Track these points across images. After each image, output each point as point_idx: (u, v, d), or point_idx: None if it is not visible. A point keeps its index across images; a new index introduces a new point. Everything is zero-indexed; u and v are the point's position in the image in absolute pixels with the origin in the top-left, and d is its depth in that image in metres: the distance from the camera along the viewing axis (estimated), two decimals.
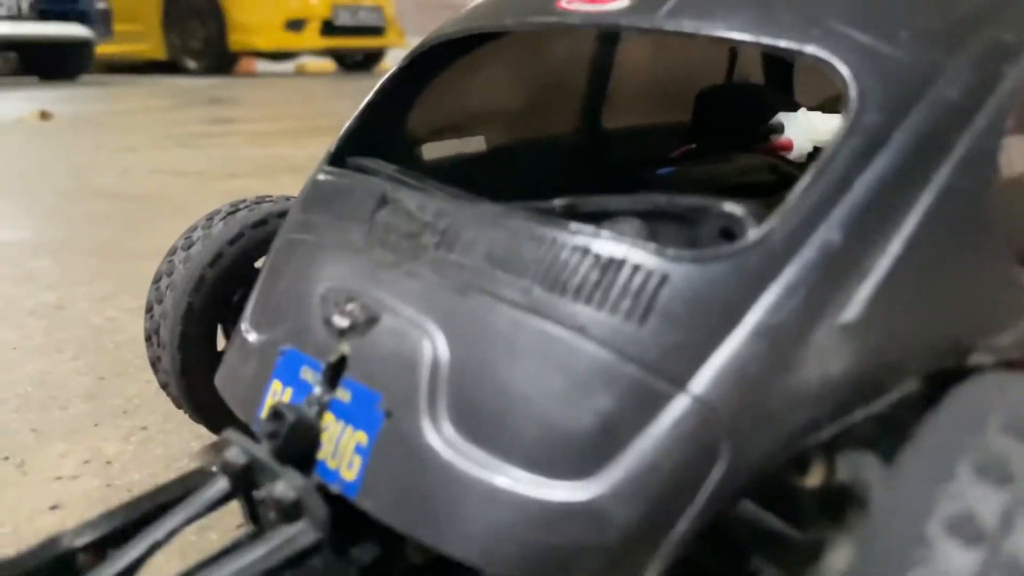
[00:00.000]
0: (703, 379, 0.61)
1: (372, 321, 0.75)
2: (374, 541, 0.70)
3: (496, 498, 0.63)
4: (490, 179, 1.37)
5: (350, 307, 0.77)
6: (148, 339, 1.18)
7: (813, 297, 0.62)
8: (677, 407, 0.61)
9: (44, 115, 5.96)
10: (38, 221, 2.96)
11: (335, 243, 0.87)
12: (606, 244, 0.68)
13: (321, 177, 0.97)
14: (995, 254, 0.70)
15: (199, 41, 10.90)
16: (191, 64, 11.20)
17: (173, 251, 1.19)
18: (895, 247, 0.64)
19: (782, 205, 0.66)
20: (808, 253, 0.63)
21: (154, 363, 1.19)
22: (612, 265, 0.67)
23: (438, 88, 1.21)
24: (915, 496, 0.52)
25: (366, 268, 0.81)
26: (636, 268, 0.66)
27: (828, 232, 0.64)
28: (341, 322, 0.77)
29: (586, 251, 0.69)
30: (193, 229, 1.20)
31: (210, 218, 1.21)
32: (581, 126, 1.47)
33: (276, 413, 0.73)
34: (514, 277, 0.71)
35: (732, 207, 0.70)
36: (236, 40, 10.61)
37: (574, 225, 0.71)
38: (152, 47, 10.94)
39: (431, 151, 1.28)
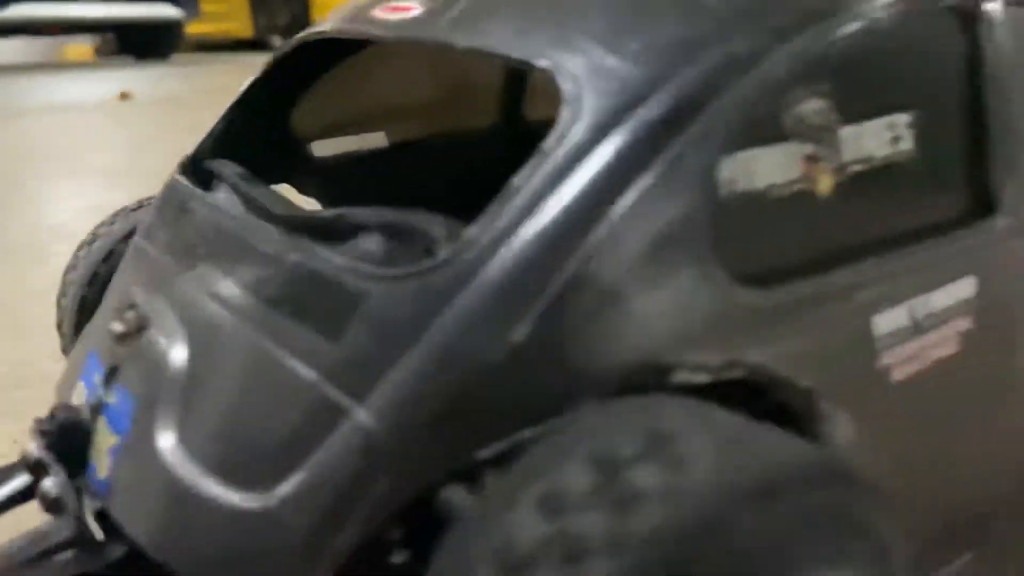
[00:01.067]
0: (376, 396, 0.64)
1: (141, 329, 0.80)
2: (124, 540, 0.75)
3: (199, 507, 0.67)
4: (395, 176, 1.39)
5: (128, 314, 0.82)
6: (58, 327, 1.26)
7: (486, 318, 0.63)
8: (351, 422, 0.64)
9: (124, 96, 6.27)
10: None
11: (149, 250, 0.92)
12: (319, 262, 0.71)
13: (171, 181, 1.02)
14: (705, 273, 0.69)
15: (285, 19, 11.17)
16: (277, 42, 11.49)
17: (80, 246, 1.26)
18: (572, 266, 0.64)
19: (472, 224, 0.67)
20: (488, 274, 0.64)
21: (64, 352, 1.27)
22: (321, 283, 0.70)
23: (326, 84, 1.24)
24: (474, 523, 0.53)
25: (155, 276, 0.86)
26: (338, 286, 0.68)
27: (509, 252, 0.64)
28: (117, 328, 0.82)
29: (303, 269, 0.71)
30: (100, 225, 1.28)
31: (117, 214, 1.28)
32: (497, 119, 1.47)
33: (52, 413, 0.79)
34: (250, 294, 0.74)
35: (429, 225, 0.71)
36: (321, 18, 10.82)
37: (303, 242, 0.74)
38: (239, 26, 11.29)
39: (324, 148, 1.31)
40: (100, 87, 7.00)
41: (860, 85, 0.82)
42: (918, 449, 0.89)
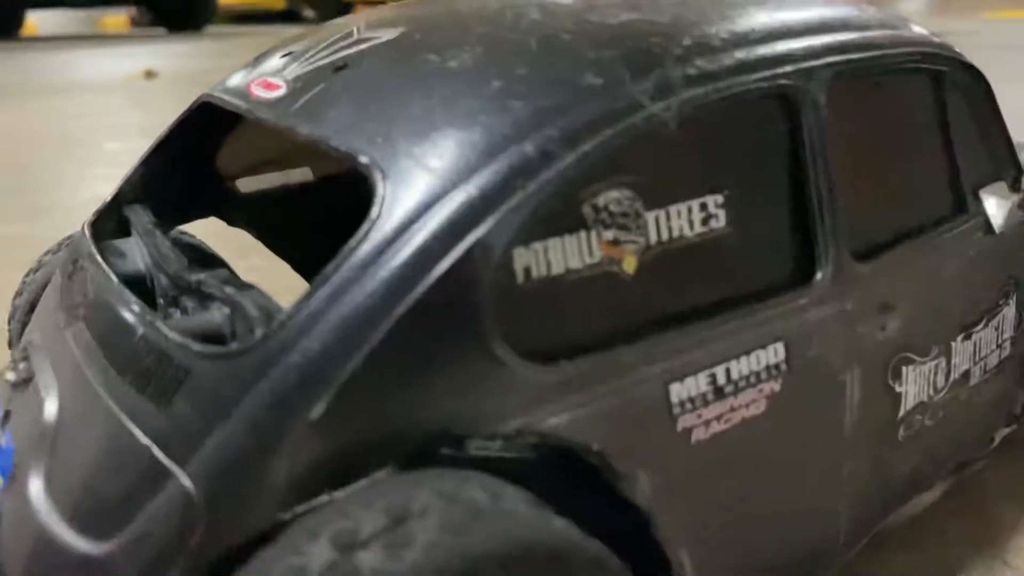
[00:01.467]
0: (195, 462, 0.74)
1: (28, 380, 0.92)
2: None
3: (57, 551, 0.79)
4: (319, 208, 1.49)
5: (21, 364, 0.94)
6: (8, 323, 1.37)
7: (288, 397, 0.73)
8: (174, 484, 0.75)
9: (149, 74, 6.42)
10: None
11: (51, 299, 1.03)
12: (159, 336, 0.81)
13: (77, 234, 1.13)
14: (492, 352, 0.78)
15: None
16: (309, 13, 11.58)
17: (48, 251, 1.38)
18: (367, 350, 0.74)
19: (287, 309, 0.77)
20: (293, 356, 0.74)
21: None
22: (159, 356, 0.80)
23: (247, 126, 1.33)
24: None
25: (49, 327, 0.97)
26: (170, 360, 0.79)
27: (310, 341, 0.74)
28: (10, 376, 0.93)
29: (147, 341, 0.82)
30: (46, 252, 1.40)
31: (62, 241, 1.40)
32: None
33: None
34: (108, 358, 0.85)
35: (249, 306, 0.81)
36: None
37: (147, 313, 0.84)
38: None
39: (250, 184, 1.41)
40: (129, 63, 7.17)
41: (665, 174, 0.90)
42: (729, 500, 0.97)
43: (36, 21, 7.04)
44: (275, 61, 1.07)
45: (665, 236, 0.90)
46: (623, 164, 0.86)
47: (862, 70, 1.09)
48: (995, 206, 1.29)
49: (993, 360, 1.33)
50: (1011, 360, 1.38)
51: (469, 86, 0.88)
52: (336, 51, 1.02)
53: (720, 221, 0.94)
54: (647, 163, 0.88)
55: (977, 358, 1.29)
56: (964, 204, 1.26)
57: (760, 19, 1.03)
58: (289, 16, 11.70)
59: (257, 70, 1.07)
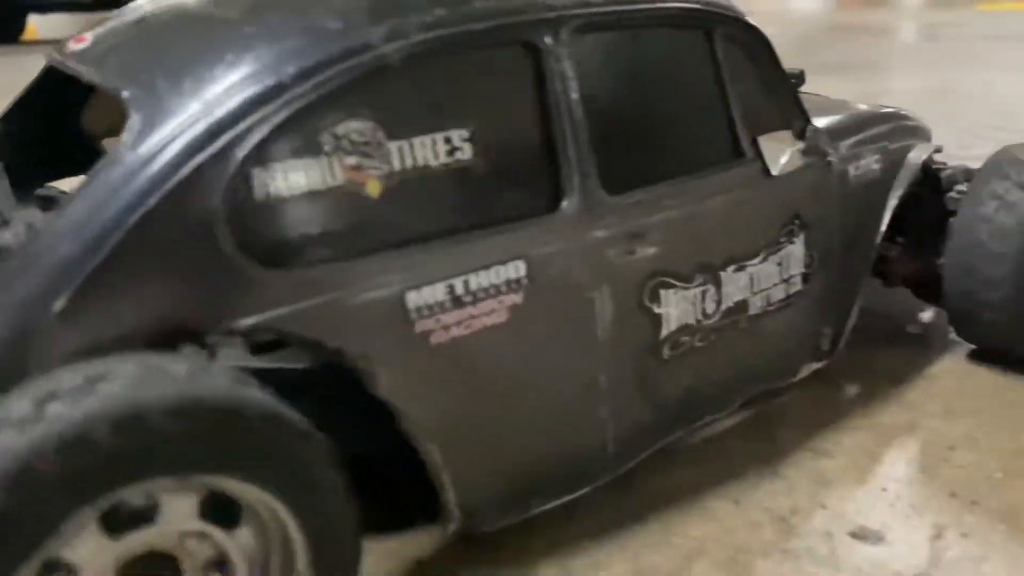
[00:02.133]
0: None
1: None
2: None
3: None
4: None
5: None
6: None
7: (35, 293, 0.88)
8: None
9: None
10: None
11: None
12: None
13: None
14: (227, 257, 0.92)
15: None
16: None
17: None
18: (105, 252, 0.88)
19: (43, 219, 0.92)
20: (42, 260, 0.90)
21: None
22: None
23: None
24: None
25: None
26: None
27: (58, 247, 0.89)
28: None
29: None
30: None
31: None
32: None
33: None
34: None
35: (17, 223, 0.96)
36: None
37: None
38: None
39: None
40: None
41: (407, 110, 1.04)
42: (478, 399, 1.11)
43: (37, 25, 7.27)
44: (109, 20, 1.23)
45: (410, 164, 1.04)
46: (361, 99, 1.01)
47: (612, 23, 1.23)
48: (773, 152, 1.41)
49: (778, 294, 1.45)
50: (807, 296, 1.51)
51: (229, 32, 1.04)
52: (146, 8, 1.18)
53: (466, 153, 1.08)
54: (387, 99, 1.03)
55: (756, 289, 1.41)
56: (740, 149, 1.38)
57: None
58: None
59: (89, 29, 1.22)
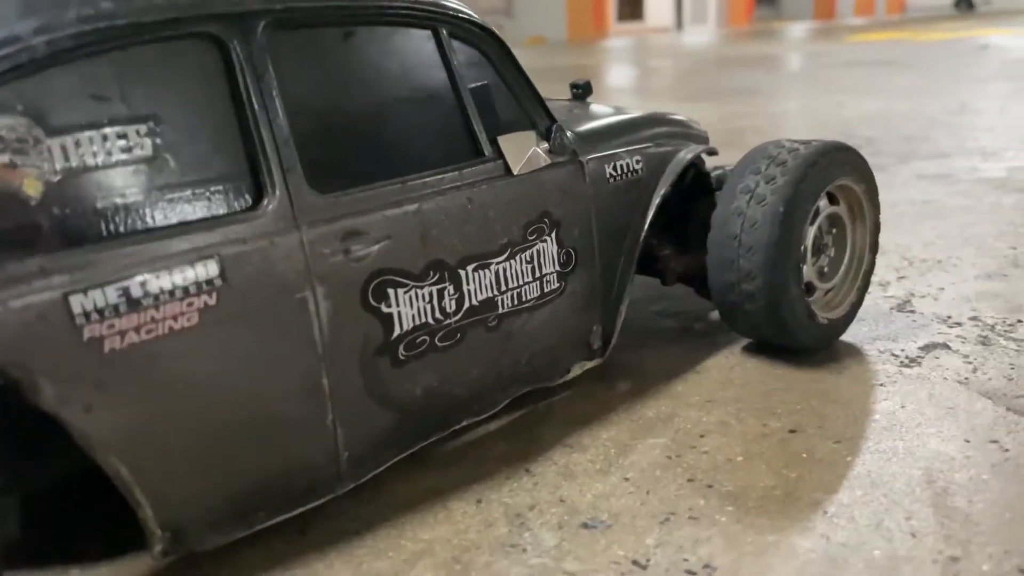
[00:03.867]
0: None
1: None
2: None
3: None
4: None
5: None
6: None
7: None
8: None
9: None
10: None
11: None
12: None
13: None
14: None
15: None
16: None
17: None
18: None
19: None
20: None
21: None
22: None
23: None
24: None
25: None
26: None
27: None
28: None
29: None
30: None
31: None
32: None
33: None
34: None
35: None
36: None
37: None
38: None
39: None
40: None
41: (69, 105, 1.01)
42: (170, 409, 1.06)
43: None
44: None
45: (76, 162, 1.01)
46: (10, 94, 0.97)
47: (314, 20, 1.22)
48: (514, 151, 1.42)
49: (532, 292, 1.45)
50: (568, 295, 1.51)
51: None
52: None
53: (146, 149, 1.06)
54: (41, 94, 1.00)
55: (503, 288, 1.41)
56: (479, 149, 1.39)
57: None
58: None
59: None
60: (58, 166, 1.01)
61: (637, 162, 1.66)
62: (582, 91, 2.03)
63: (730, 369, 1.68)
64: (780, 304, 1.61)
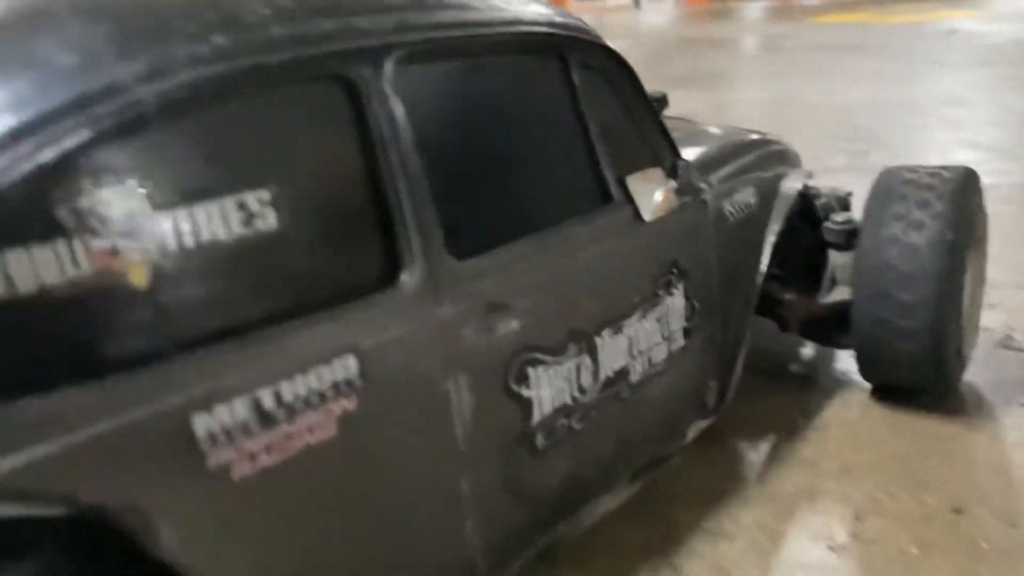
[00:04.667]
0: None
1: None
2: None
3: None
4: None
5: None
6: None
7: None
8: None
9: None
10: None
11: None
12: None
13: None
14: None
15: None
16: None
17: None
18: None
19: None
20: None
21: None
22: None
23: None
24: None
25: None
26: None
27: None
28: None
29: None
30: None
31: None
32: None
33: None
34: None
35: None
36: None
37: None
38: None
39: None
40: None
41: (182, 169, 0.79)
42: (302, 539, 0.86)
43: None
44: None
45: (190, 241, 0.78)
46: (111, 160, 0.74)
47: (446, 51, 1.00)
48: (644, 194, 1.22)
49: (661, 353, 1.26)
50: (690, 351, 1.33)
51: None
52: None
53: (268, 221, 0.83)
54: (149, 158, 0.77)
55: (635, 352, 1.22)
56: (607, 193, 1.18)
57: None
58: None
59: None
60: (168, 247, 0.79)
61: (751, 195, 1.48)
62: (658, 104, 1.83)
63: (853, 424, 1.52)
64: (944, 341, 1.44)
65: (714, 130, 1.70)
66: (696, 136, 1.57)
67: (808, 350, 1.80)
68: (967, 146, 3.72)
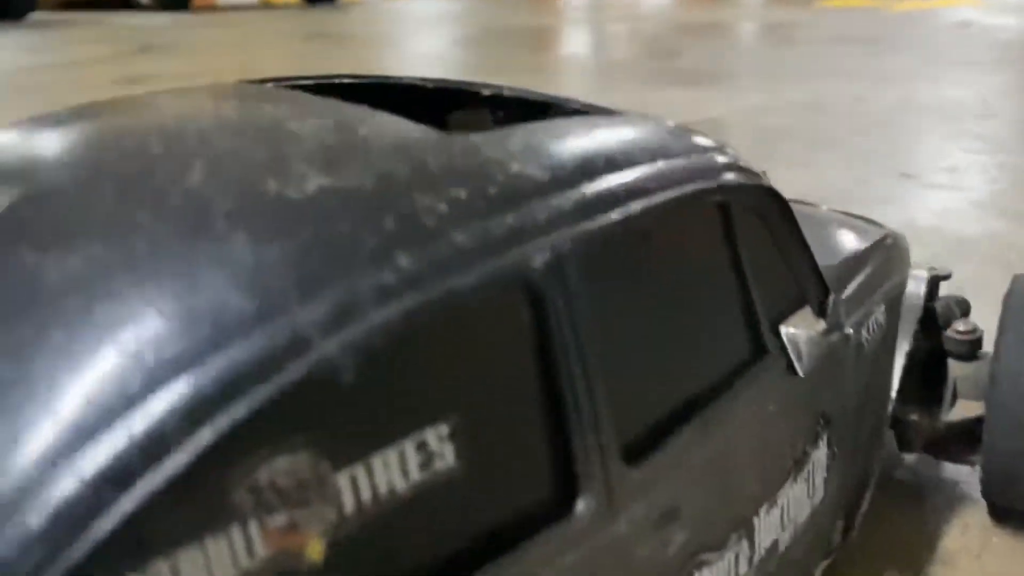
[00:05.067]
0: None
1: None
2: None
3: None
4: None
5: None
6: None
7: None
8: None
9: None
10: None
11: None
12: None
13: None
14: None
15: None
16: (146, 0, 10.88)
17: None
18: None
19: None
20: None
21: None
22: None
23: None
24: None
25: None
26: None
27: None
28: None
29: None
30: None
31: None
32: None
33: None
34: None
35: None
36: None
37: None
38: None
39: None
40: None
41: (365, 417, 0.67)
42: None
43: None
44: None
45: (368, 496, 0.67)
46: (292, 423, 0.62)
47: (627, 231, 0.85)
48: (799, 342, 1.08)
49: (804, 513, 1.13)
50: (826, 502, 1.20)
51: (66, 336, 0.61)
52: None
53: (447, 458, 0.71)
54: (333, 415, 0.64)
55: (786, 522, 1.09)
56: (762, 344, 1.04)
57: (492, 171, 0.78)
58: (125, 4, 10.97)
59: None
60: (346, 508, 0.67)
61: (881, 313, 1.36)
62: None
63: (978, 557, 1.40)
64: None
65: (821, 217, 1.58)
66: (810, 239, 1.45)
67: (910, 456, 1.69)
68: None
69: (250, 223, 0.67)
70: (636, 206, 0.86)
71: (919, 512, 1.55)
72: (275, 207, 0.69)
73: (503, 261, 0.72)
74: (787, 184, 1.41)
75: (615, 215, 0.84)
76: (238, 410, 0.58)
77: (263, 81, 1.17)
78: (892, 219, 2.06)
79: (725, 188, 1.00)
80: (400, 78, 1.30)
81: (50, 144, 0.89)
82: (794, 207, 1.61)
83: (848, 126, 4.48)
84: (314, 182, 0.72)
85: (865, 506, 1.29)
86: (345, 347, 0.62)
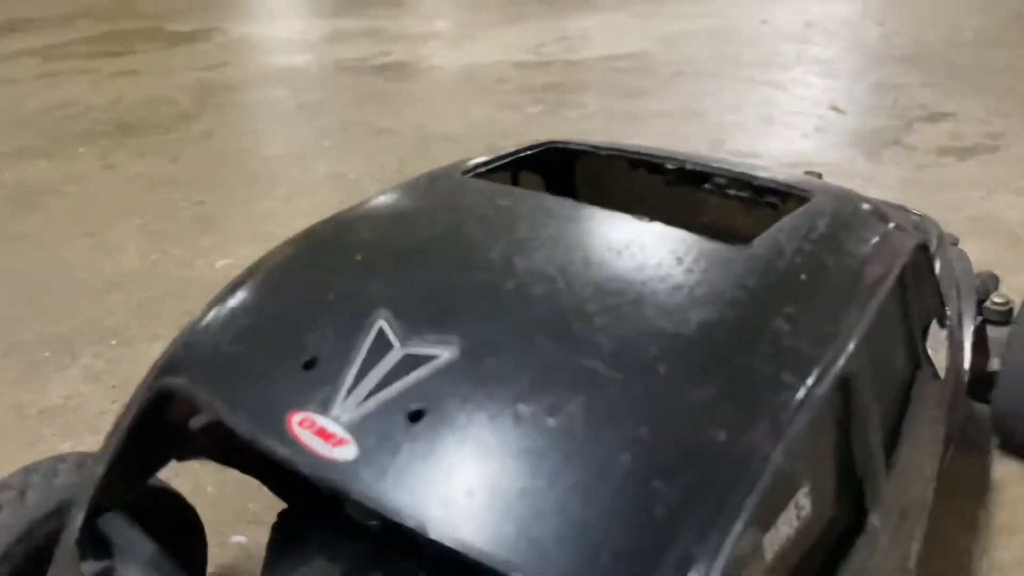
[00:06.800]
0: None
1: None
2: None
3: None
4: None
5: None
6: None
7: None
8: None
9: None
10: None
11: None
12: None
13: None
14: None
15: None
16: None
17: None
18: None
19: None
20: None
21: None
22: None
23: None
24: None
25: None
26: None
27: None
28: None
29: None
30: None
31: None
32: None
33: None
34: None
35: None
36: None
37: None
38: None
39: None
40: None
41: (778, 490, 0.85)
42: None
43: None
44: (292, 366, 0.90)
45: (774, 552, 0.83)
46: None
47: (880, 305, 1.06)
48: (937, 350, 1.31)
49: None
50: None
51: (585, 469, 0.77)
52: (391, 371, 0.85)
53: (807, 508, 0.89)
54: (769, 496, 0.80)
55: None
56: (919, 362, 1.27)
57: (792, 283, 1.00)
58: None
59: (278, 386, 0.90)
60: (767, 563, 0.82)
61: (955, 298, 1.61)
62: None
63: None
64: None
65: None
66: None
67: None
68: None
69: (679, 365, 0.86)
70: (887, 284, 1.10)
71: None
72: (683, 346, 0.87)
73: (839, 361, 0.93)
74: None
75: (879, 296, 1.06)
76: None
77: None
78: None
79: (921, 248, 1.24)
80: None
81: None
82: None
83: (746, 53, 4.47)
84: (694, 316, 0.91)
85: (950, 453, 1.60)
86: (788, 452, 0.85)
